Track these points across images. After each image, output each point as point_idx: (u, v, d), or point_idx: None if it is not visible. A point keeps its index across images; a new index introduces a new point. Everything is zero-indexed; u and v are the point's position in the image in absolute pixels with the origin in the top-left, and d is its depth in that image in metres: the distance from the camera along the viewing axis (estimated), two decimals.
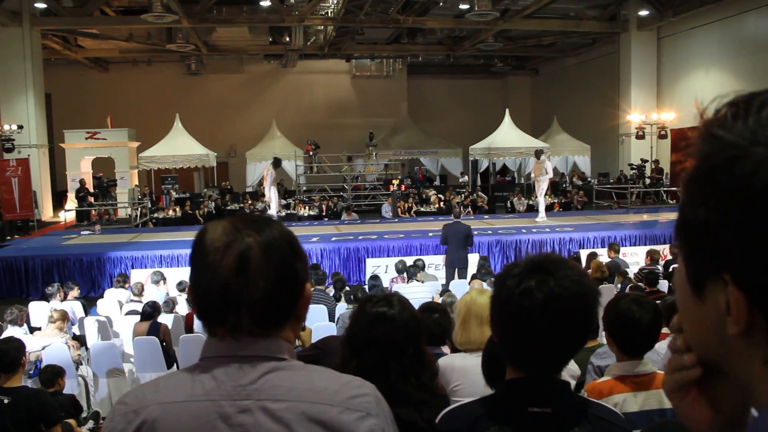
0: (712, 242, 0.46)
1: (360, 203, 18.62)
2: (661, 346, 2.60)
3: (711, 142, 0.46)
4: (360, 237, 10.78)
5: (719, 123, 0.47)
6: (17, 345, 3.26)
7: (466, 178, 20.98)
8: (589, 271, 7.38)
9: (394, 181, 15.23)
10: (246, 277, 0.88)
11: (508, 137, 18.39)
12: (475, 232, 10.64)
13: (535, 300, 1.00)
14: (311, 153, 18.51)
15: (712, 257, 0.46)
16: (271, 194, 11.61)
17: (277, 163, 11.60)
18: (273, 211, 11.60)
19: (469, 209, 16.16)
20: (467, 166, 20.66)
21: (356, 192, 19.11)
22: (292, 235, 0.96)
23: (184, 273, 8.59)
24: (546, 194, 12.22)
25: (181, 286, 7.42)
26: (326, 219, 15.31)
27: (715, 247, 0.46)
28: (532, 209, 16.35)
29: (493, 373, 1.66)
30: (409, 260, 8.48)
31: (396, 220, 14.49)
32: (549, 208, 16.49)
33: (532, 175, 11.92)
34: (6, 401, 2.99)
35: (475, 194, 17.70)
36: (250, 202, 16.25)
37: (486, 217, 13.86)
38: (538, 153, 11.65)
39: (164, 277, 7.77)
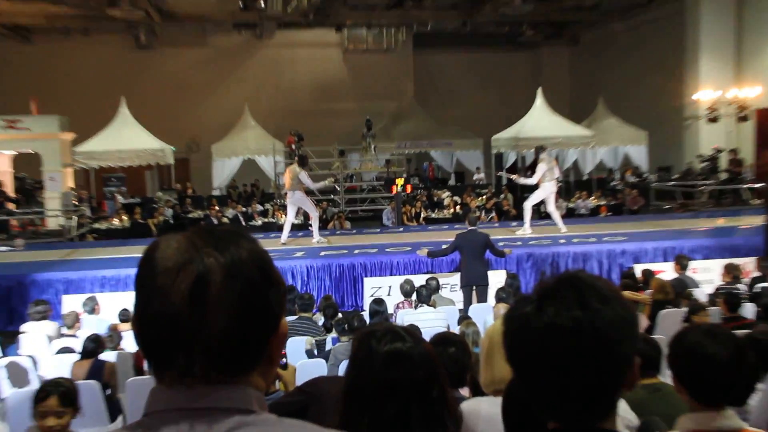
0: None
1: (355, 208, 18.65)
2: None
3: None
4: (356, 251, 10.80)
5: None
6: None
7: (482, 175, 21.07)
8: (649, 292, 7.34)
9: (397, 181, 15.22)
10: (202, 307, 0.89)
11: (540, 124, 18.47)
12: (501, 243, 10.67)
13: (558, 328, 1.03)
14: (294, 147, 18.57)
15: None
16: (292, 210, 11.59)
17: (302, 160, 11.57)
18: (285, 233, 11.66)
19: (493, 214, 16.17)
20: (489, 160, 20.77)
21: (350, 194, 19.16)
22: (265, 255, 0.96)
23: (132, 299, 8.53)
24: (541, 203, 12.36)
25: (124, 316, 7.40)
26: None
27: None
28: (573, 213, 16.37)
29: (516, 422, 1.65)
30: (419, 280, 8.44)
31: (401, 229, 14.49)
32: (594, 212, 16.56)
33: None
34: None
35: (500, 196, 17.72)
36: (217, 209, 16.28)
37: (514, 224, 13.78)
38: (539, 149, 11.77)
39: (97, 304, 7.73)
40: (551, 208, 11.88)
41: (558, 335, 1.02)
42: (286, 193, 11.82)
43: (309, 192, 12.26)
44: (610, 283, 1.10)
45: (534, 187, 11.89)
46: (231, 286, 0.90)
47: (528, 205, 11.90)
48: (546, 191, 11.59)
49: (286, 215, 12.05)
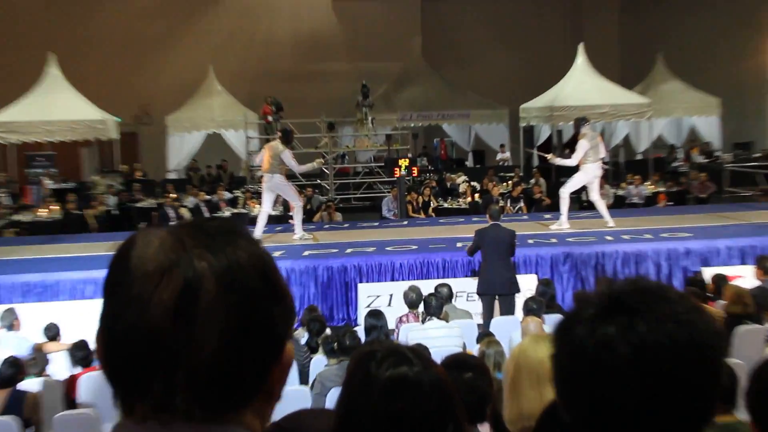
0: None
1: (348, 195, 18.65)
2: None
3: None
4: (348, 250, 10.82)
5: None
6: None
7: (507, 154, 21.10)
8: (722, 303, 7.29)
9: (401, 162, 15.21)
10: (189, 323, 0.90)
11: (582, 89, 18.49)
12: (530, 241, 10.67)
13: (617, 356, 1.06)
14: (271, 118, 18.57)
15: None
16: (267, 197, 11.56)
17: (286, 136, 11.50)
18: (259, 228, 11.61)
19: (521, 204, 16.17)
20: (516, 136, 20.79)
21: (342, 179, 19.19)
22: (270, 260, 0.99)
23: (63, 311, 8.51)
24: (582, 190, 12.29)
25: (51, 332, 7.36)
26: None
27: None
28: (623, 202, 16.36)
29: None
30: (427, 286, 8.43)
31: (405, 222, 14.51)
32: (650, 202, 16.55)
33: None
34: None
35: (531, 181, 17.72)
36: (174, 196, 16.27)
37: (548, 216, 13.75)
38: (579, 122, 11.75)
39: (17, 318, 7.71)
40: (595, 196, 11.85)
41: (618, 360, 1.05)
42: (261, 177, 11.79)
43: (291, 176, 12.24)
44: (683, 294, 1.12)
45: (573, 170, 11.84)
46: (226, 297, 0.91)
47: (565, 193, 11.87)
48: (588, 175, 11.55)
49: (260, 205, 12.02)
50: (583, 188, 12.29)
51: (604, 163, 12.91)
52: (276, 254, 10.64)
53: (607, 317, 1.08)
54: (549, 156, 12.89)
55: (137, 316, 0.91)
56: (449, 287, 8.37)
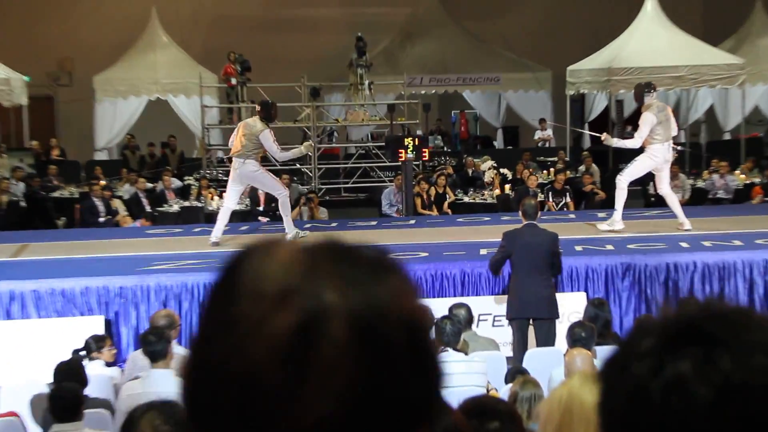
0: None
1: (337, 185, 18.69)
2: None
3: None
4: None
5: None
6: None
7: (549, 132, 21.12)
8: None
9: (407, 142, 15.21)
10: (300, 371, 0.89)
11: (650, 46, 18.52)
12: (578, 248, 10.62)
13: (695, 401, 1.02)
14: (235, 81, 18.59)
15: None
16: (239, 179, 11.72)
17: (267, 110, 11.57)
18: (219, 228, 11.77)
19: (567, 199, 16.16)
20: (562, 108, 20.81)
21: (329, 163, 19.23)
22: (423, 315, 0.99)
23: None
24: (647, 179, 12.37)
25: None
26: (266, 219, 15.41)
27: None
28: (704, 197, 16.34)
29: None
30: (440, 307, 8.46)
31: (411, 222, 14.54)
32: (741, 197, 16.52)
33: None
34: None
35: (580, 168, 17.75)
36: (103, 183, 16.30)
37: (601, 214, 13.66)
38: (642, 89, 11.70)
39: None
40: (665, 187, 11.86)
41: (694, 405, 1.01)
42: (229, 160, 11.84)
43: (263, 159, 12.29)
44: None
45: (636, 153, 11.88)
46: (355, 348, 0.90)
47: (624, 182, 11.85)
48: (656, 159, 11.57)
49: (221, 197, 12.06)
50: (650, 177, 12.28)
51: (677, 144, 12.92)
52: None
53: (677, 350, 1.03)
54: (603, 136, 12.86)
55: (235, 346, 0.91)
56: (468, 309, 8.34)
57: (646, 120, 11.45)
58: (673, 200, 11.98)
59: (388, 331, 0.92)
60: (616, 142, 12.67)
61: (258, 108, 11.84)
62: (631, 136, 12.18)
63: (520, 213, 9.19)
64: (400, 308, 0.94)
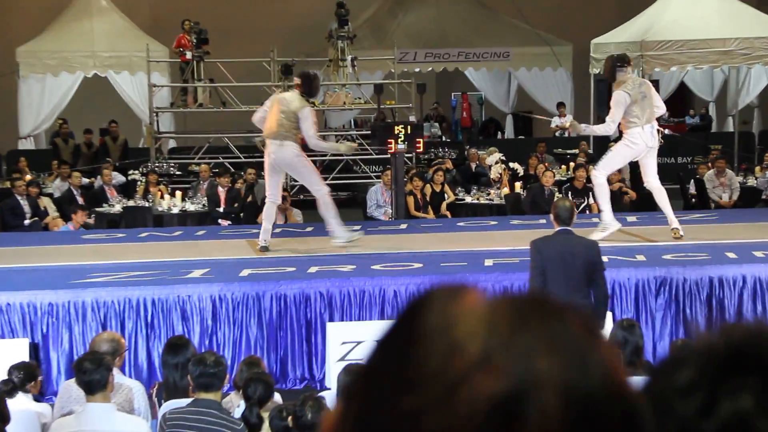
0: None
1: None
2: None
3: None
4: (312, 269, 10.96)
5: None
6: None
7: (569, 118, 20.95)
8: None
9: (398, 130, 15.23)
10: None
11: (691, 15, 18.61)
12: (604, 258, 10.62)
13: None
14: (191, 56, 18.58)
15: None
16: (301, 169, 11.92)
17: (308, 83, 11.72)
18: (266, 230, 11.91)
19: (589, 200, 16.16)
20: (586, 90, 20.87)
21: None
22: (629, 383, 0.98)
23: None
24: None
25: None
26: (228, 222, 15.50)
27: None
28: (755, 197, 16.38)
29: None
30: None
31: (403, 226, 14.61)
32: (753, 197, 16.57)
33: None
34: None
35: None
36: (29, 177, 16.26)
37: (631, 218, 13.79)
38: (614, 63, 11.79)
39: None
40: (653, 180, 11.96)
41: None
42: (261, 144, 11.88)
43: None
44: None
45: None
46: (568, 428, 0.90)
47: (600, 176, 11.84)
48: (635, 146, 11.66)
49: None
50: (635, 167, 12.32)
51: (663, 125, 12.90)
52: (195, 273, 10.75)
53: (730, 382, 1.02)
54: (562, 121, 12.85)
55: (420, 410, 0.90)
56: None
57: (618, 99, 11.45)
58: (662, 196, 12.00)
59: (605, 410, 0.91)
60: (585, 129, 12.72)
61: (298, 81, 11.89)
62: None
63: (552, 217, 9.15)
64: (614, 383, 0.93)
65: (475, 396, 0.88)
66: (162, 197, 15.97)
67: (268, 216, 11.92)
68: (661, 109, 12.08)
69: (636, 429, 0.94)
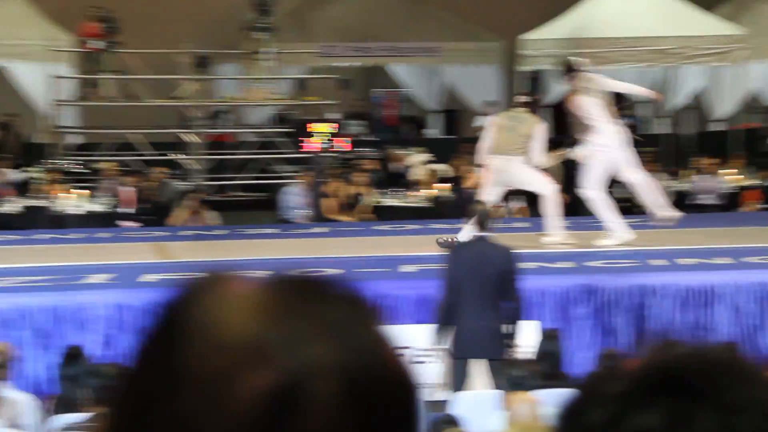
0: None
1: (227, 181, 18.62)
2: None
3: None
4: None
5: None
6: None
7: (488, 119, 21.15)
8: None
9: (318, 128, 15.21)
10: None
11: (626, 11, 18.73)
12: (530, 265, 10.57)
13: None
14: (99, 44, 18.45)
15: None
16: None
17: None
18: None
19: (519, 203, 16.20)
20: (512, 87, 20.92)
21: (218, 152, 19.16)
22: (403, 357, 0.99)
23: None
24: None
25: None
26: (135, 224, 15.45)
27: None
28: (685, 203, 16.51)
29: None
30: None
31: (323, 229, 14.66)
32: (731, 203, 16.74)
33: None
34: None
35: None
36: None
37: (567, 222, 13.88)
38: (569, 68, 12.08)
39: None
40: (633, 174, 12.16)
41: None
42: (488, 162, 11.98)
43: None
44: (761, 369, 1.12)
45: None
46: (349, 414, 0.90)
47: (592, 192, 12.00)
48: (611, 147, 11.87)
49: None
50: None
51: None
52: (93, 279, 10.64)
53: (649, 400, 1.04)
54: (558, 154, 12.94)
55: (188, 417, 0.89)
56: None
57: (589, 104, 11.68)
58: (644, 188, 12.15)
59: (386, 390, 0.92)
60: (580, 153, 12.73)
61: (528, 103, 12.48)
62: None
63: (471, 220, 9.25)
64: (392, 360, 0.95)
65: (248, 392, 0.87)
66: (63, 196, 15.82)
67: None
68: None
69: (413, 406, 0.95)
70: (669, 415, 1.01)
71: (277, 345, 0.89)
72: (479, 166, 12.38)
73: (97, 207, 15.86)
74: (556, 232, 12.14)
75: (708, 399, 1.02)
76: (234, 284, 0.94)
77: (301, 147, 15.73)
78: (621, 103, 12.19)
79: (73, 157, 18.31)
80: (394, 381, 0.94)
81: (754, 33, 19.19)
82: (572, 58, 12.40)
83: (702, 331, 10.17)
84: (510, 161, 11.63)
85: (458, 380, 8.66)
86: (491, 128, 12.03)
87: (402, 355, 0.96)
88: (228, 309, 0.91)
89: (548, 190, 12.21)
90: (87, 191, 16.27)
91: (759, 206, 16.70)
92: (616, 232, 12.01)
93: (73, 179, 16.87)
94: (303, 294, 0.94)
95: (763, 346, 10.29)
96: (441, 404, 8.31)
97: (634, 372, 1.05)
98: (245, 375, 0.88)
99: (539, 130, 11.59)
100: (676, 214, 12.01)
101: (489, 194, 11.95)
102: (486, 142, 12.08)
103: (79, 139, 19.61)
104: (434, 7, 23.21)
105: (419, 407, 0.96)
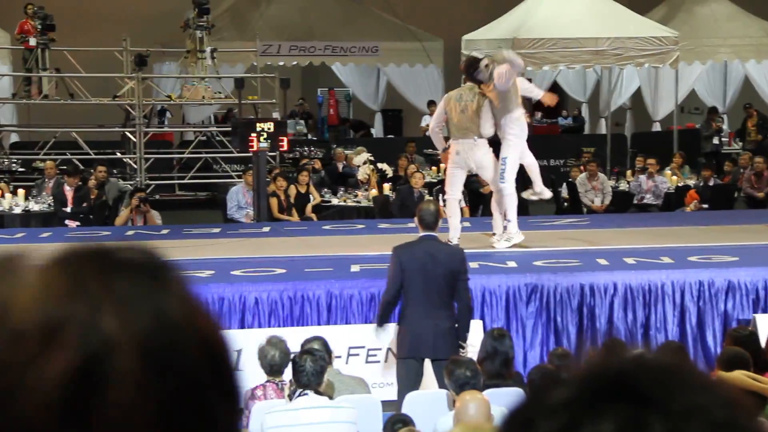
0: None
1: (169, 181, 18.58)
2: None
3: None
4: None
5: None
6: None
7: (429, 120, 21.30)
8: None
9: (261, 127, 15.17)
10: (86, 427, 0.87)
11: (564, 13, 18.87)
12: (474, 265, 10.62)
13: None
14: (35, 43, 18.29)
15: None
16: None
17: None
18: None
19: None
20: (453, 87, 20.66)
21: (159, 152, 19.14)
22: (217, 321, 0.99)
23: None
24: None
25: None
26: (76, 224, 15.35)
27: None
28: (627, 202, 16.66)
29: None
30: (301, 338, 8.55)
31: (266, 229, 14.67)
32: (674, 202, 16.90)
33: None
34: None
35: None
36: None
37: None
38: (471, 65, 12.11)
39: None
40: (530, 156, 12.34)
41: None
42: (447, 144, 11.91)
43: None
44: (710, 375, 1.12)
45: (492, 142, 12.18)
46: (152, 384, 0.88)
47: (511, 186, 12.03)
48: (524, 134, 12.07)
49: (14, 193, 11.78)
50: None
51: (536, 126, 13.11)
52: None
53: (597, 407, 1.01)
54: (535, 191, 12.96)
55: None
56: (323, 342, 8.27)
57: (524, 88, 12.01)
58: (535, 167, 12.42)
59: (188, 356, 0.90)
60: (537, 186, 12.78)
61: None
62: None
63: (416, 221, 9.20)
64: (195, 324, 0.92)
65: (45, 379, 0.85)
66: (2, 196, 15.67)
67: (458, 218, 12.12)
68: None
69: (222, 363, 0.95)
70: (622, 422, 0.99)
71: (70, 324, 0.86)
72: (445, 149, 12.23)
73: (37, 206, 15.75)
74: (511, 231, 12.08)
75: (658, 405, 1.01)
76: (19, 267, 0.91)
77: (244, 146, 15.67)
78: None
79: (11, 156, 18.17)
80: (195, 346, 0.91)
81: (685, 35, 19.44)
82: (474, 55, 12.41)
83: (647, 330, 10.35)
84: (476, 145, 11.65)
85: (409, 380, 8.64)
86: (443, 111, 12.02)
87: (208, 318, 0.95)
88: (15, 295, 0.88)
89: (506, 183, 12.08)
90: (25, 190, 16.03)
91: (699, 206, 16.83)
92: (513, 233, 12.05)
93: (11, 178, 16.71)
94: (96, 267, 0.91)
95: (708, 345, 10.42)
96: (392, 404, 8.34)
97: (582, 377, 1.04)
98: (40, 361, 0.85)
99: (484, 103, 11.55)
100: (513, 236, 12.10)
101: (455, 187, 12.15)
102: (436, 124, 12.23)
103: (15, 138, 19.46)
104: (373, 7, 23.19)
105: (229, 368, 0.96)
